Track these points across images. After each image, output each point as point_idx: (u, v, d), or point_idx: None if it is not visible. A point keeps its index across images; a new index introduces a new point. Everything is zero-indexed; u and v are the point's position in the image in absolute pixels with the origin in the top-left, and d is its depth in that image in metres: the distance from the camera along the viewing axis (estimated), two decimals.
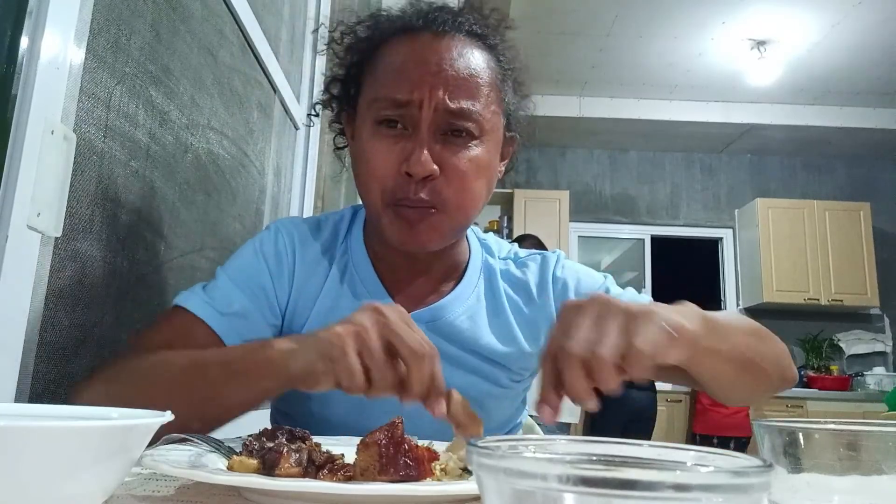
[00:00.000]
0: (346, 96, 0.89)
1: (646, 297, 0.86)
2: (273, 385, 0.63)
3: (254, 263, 0.85)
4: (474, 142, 0.79)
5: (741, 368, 0.70)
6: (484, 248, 0.95)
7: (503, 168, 0.90)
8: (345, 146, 0.96)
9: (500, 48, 0.85)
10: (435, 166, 0.76)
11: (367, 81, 0.83)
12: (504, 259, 0.96)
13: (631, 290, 0.92)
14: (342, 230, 0.93)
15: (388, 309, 0.58)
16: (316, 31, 0.97)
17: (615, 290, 0.91)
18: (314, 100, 0.95)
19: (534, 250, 0.98)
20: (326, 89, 0.91)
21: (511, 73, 0.86)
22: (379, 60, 0.82)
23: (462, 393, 0.80)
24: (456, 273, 0.91)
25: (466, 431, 0.57)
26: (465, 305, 0.88)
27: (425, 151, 0.75)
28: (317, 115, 1.00)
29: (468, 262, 0.92)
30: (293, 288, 0.86)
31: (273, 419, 0.94)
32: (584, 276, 0.93)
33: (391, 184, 0.77)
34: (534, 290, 0.92)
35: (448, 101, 0.76)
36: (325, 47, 0.92)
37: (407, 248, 0.80)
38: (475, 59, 0.80)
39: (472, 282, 0.90)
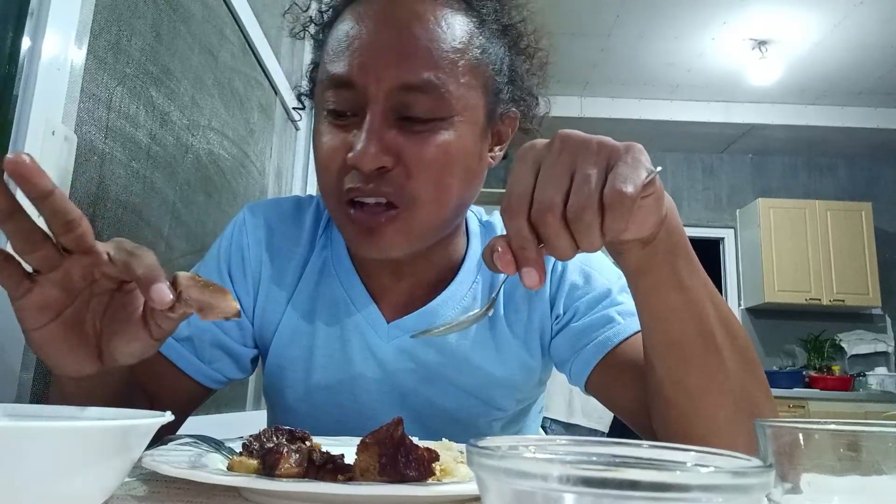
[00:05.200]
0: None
1: None
2: (59, 378, 0.53)
3: (214, 269, 0.77)
4: (441, 124, 0.64)
5: (702, 336, 0.56)
6: (486, 232, 0.81)
7: (499, 152, 0.74)
8: None
9: (485, 4, 0.70)
10: (385, 157, 0.62)
11: (320, 61, 0.71)
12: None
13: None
14: (324, 217, 0.81)
15: None
16: (286, 12, 0.83)
17: (621, 300, 0.75)
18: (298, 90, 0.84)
19: None
20: (310, 78, 0.79)
21: (502, 34, 0.72)
22: (330, 35, 0.69)
23: (452, 415, 0.76)
24: (451, 271, 0.78)
25: (216, 310, 0.47)
26: (459, 308, 0.76)
27: (371, 140, 0.62)
28: (303, 108, 0.87)
29: (465, 255, 0.79)
30: (259, 289, 0.77)
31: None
32: (595, 274, 0.77)
33: (339, 179, 0.65)
34: None
35: (401, 75, 0.63)
36: (301, 30, 0.80)
37: (365, 255, 0.68)
38: (439, 20, 0.65)
39: (469, 278, 0.77)
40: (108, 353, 0.51)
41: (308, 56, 0.81)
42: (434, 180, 0.65)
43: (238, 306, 0.49)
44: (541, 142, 0.48)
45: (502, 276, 0.49)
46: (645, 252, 0.53)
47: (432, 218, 0.67)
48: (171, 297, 0.46)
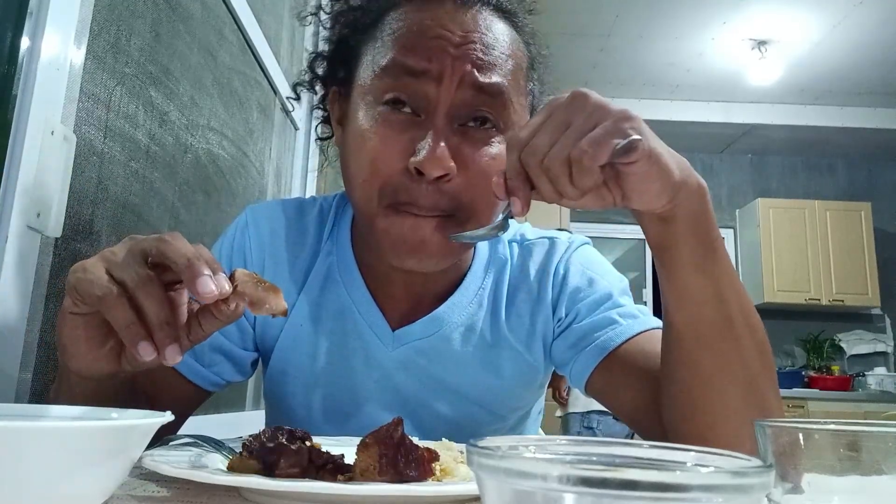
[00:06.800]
0: (335, 73, 0.74)
1: (655, 321, 0.73)
2: (70, 375, 0.53)
3: None
4: (499, 136, 0.65)
5: (720, 321, 0.57)
6: (492, 240, 0.80)
7: None
8: (329, 136, 0.80)
9: (528, 31, 0.72)
10: (452, 164, 0.61)
11: (367, 52, 0.68)
12: (510, 242, 0.80)
13: (645, 310, 0.75)
14: (329, 221, 0.79)
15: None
16: None
17: (623, 302, 0.75)
18: (295, 80, 0.81)
19: (545, 231, 0.81)
20: (310, 68, 0.77)
21: (538, 62, 0.73)
22: (385, 27, 0.67)
23: (454, 423, 0.76)
24: (458, 277, 0.77)
25: (265, 306, 0.49)
26: (465, 313, 0.75)
27: (442, 143, 0.60)
28: (297, 99, 0.85)
29: (472, 260, 0.78)
30: None
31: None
32: (597, 277, 0.77)
33: (393, 183, 0.62)
34: (534, 286, 0.77)
35: (477, 75, 0.62)
36: (310, 16, 0.79)
37: (408, 266, 0.65)
38: (506, 37, 0.66)
39: (475, 283, 0.77)
40: (132, 354, 0.49)
41: (307, 55, 0.80)
42: (488, 192, 0.64)
43: (286, 306, 0.50)
44: (565, 95, 0.52)
45: (507, 203, 0.55)
46: (663, 228, 0.56)
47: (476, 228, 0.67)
48: (227, 288, 0.47)
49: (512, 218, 0.56)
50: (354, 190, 0.67)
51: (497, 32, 0.66)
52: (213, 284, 0.46)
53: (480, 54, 0.63)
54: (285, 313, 0.50)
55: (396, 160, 0.62)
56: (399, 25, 0.66)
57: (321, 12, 0.77)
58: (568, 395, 3.30)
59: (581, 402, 3.12)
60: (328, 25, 0.76)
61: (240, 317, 0.50)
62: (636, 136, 0.48)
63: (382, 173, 0.63)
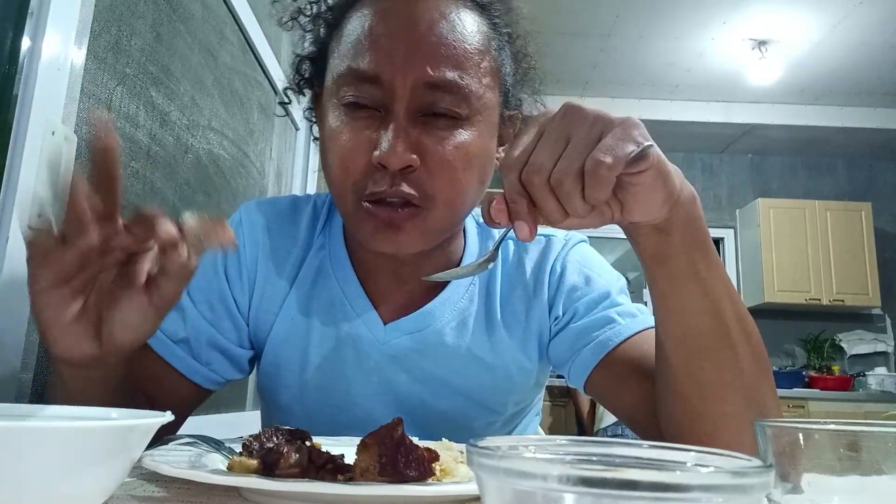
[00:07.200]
0: (313, 76, 0.76)
1: (649, 319, 0.72)
2: (62, 371, 0.54)
3: (210, 270, 0.76)
4: (462, 124, 0.65)
5: (717, 330, 0.57)
6: (482, 233, 0.82)
7: (502, 153, 0.74)
8: None
9: (497, 9, 0.71)
10: (413, 156, 0.62)
11: (330, 55, 0.70)
12: (505, 240, 0.79)
13: (643, 308, 0.75)
14: (322, 217, 0.80)
15: None
16: (275, 1, 0.81)
17: (621, 301, 0.75)
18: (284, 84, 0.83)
19: (541, 229, 0.79)
20: (296, 70, 0.78)
21: (510, 40, 0.73)
22: (344, 29, 0.68)
23: (447, 417, 0.77)
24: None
25: (212, 238, 0.50)
26: (456, 309, 0.76)
27: (399, 138, 0.62)
28: (287, 103, 0.86)
29: (462, 256, 0.79)
30: (255, 289, 0.77)
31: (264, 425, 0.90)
32: (595, 276, 0.77)
33: (361, 177, 0.64)
34: (530, 283, 0.78)
35: (429, 72, 0.63)
36: (289, 20, 0.80)
37: (383, 250, 0.67)
38: (463, 21, 0.66)
39: (466, 279, 0.77)
40: (108, 328, 0.51)
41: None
42: (454, 180, 0.65)
43: (233, 235, 0.51)
44: (552, 110, 0.50)
45: (503, 230, 0.52)
46: (661, 239, 0.54)
47: (449, 217, 0.68)
48: (173, 234, 0.49)
49: (509, 240, 0.55)
50: (331, 187, 0.69)
51: (452, 18, 0.65)
52: (171, 227, 0.49)
53: (432, 50, 0.63)
54: (235, 246, 0.52)
55: (362, 156, 0.64)
56: (353, 27, 0.67)
57: (301, 16, 0.78)
58: (595, 410, 3.24)
59: (610, 415, 3.10)
60: (308, 28, 0.77)
61: (192, 271, 0.51)
62: (648, 143, 0.47)
63: (351, 170, 0.65)
